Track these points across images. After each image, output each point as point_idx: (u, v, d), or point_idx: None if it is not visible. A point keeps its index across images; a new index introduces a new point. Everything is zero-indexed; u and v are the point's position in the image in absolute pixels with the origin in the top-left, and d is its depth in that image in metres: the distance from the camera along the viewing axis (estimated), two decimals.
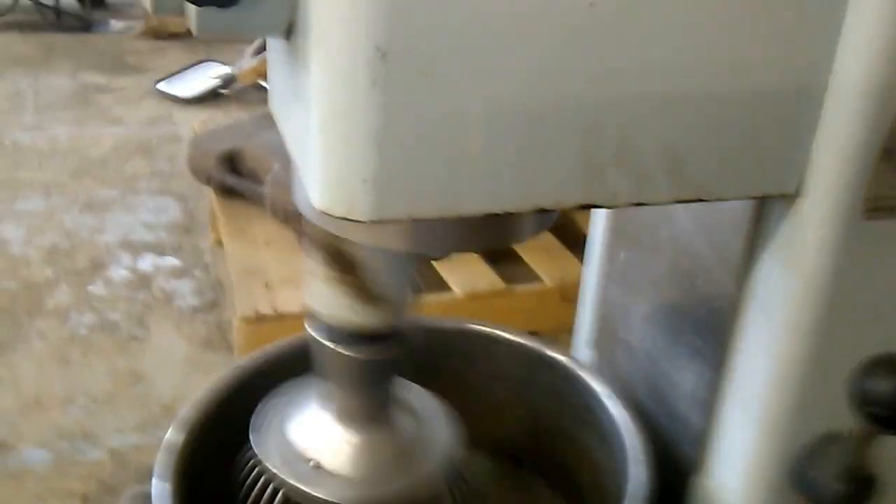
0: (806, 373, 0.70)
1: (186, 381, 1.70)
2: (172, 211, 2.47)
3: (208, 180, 2.11)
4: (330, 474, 0.75)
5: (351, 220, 0.56)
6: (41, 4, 4.70)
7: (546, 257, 1.88)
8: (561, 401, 0.94)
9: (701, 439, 0.80)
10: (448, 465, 0.78)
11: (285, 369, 0.90)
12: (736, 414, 0.76)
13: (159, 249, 2.24)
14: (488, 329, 1.01)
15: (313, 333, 0.73)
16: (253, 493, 0.76)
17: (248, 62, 3.33)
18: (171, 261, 2.19)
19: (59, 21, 4.70)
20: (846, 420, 0.65)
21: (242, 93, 3.48)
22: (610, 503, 0.80)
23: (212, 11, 0.53)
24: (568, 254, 1.89)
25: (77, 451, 1.53)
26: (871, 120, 0.60)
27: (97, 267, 2.14)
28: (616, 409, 0.86)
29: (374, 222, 0.56)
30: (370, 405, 0.76)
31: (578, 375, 0.92)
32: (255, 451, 0.76)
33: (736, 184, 0.63)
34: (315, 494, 0.73)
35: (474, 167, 0.56)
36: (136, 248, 2.24)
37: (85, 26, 4.69)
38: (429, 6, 0.51)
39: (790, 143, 0.63)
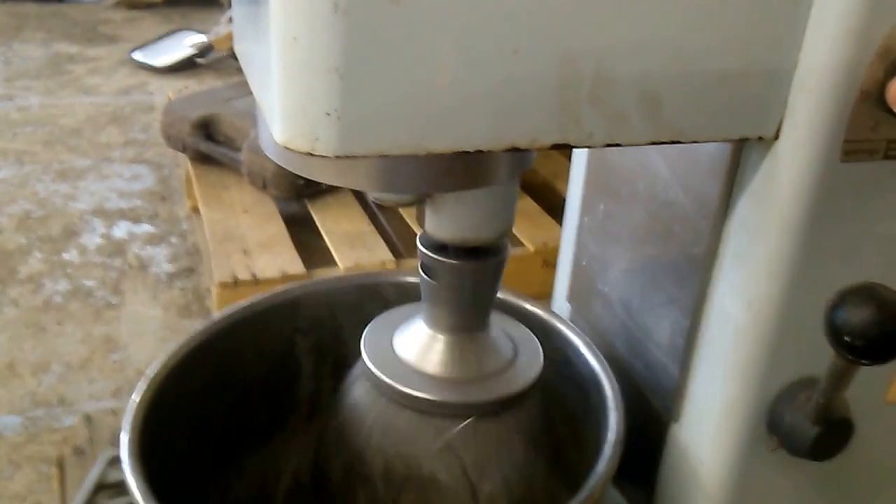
0: (781, 317, 0.69)
1: (161, 347, 1.69)
2: (147, 179, 2.45)
3: (183, 147, 2.09)
4: (429, 377, 0.79)
5: (315, 156, 0.55)
6: None
7: (528, 222, 1.87)
8: None
9: (677, 387, 0.80)
10: (531, 378, 0.81)
11: (253, 329, 0.90)
12: (712, 361, 0.76)
13: (134, 217, 2.22)
14: None
15: (423, 249, 0.76)
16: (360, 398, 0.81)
17: (224, 28, 3.30)
18: (147, 228, 2.17)
19: None
20: (821, 365, 0.64)
21: (218, 61, 3.46)
22: (588, 453, 0.79)
23: None
24: (549, 219, 1.89)
25: (51, 417, 1.51)
26: (850, 62, 0.60)
27: (71, 234, 2.12)
28: (593, 360, 0.85)
29: (338, 158, 0.55)
30: (470, 315, 0.80)
31: (556, 327, 0.92)
32: (364, 357, 0.80)
33: (713, 126, 0.63)
34: (419, 395, 0.77)
35: (444, 101, 0.55)
36: (110, 216, 2.22)
37: None
38: None
39: (768, 85, 0.62)
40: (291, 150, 0.55)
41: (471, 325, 0.81)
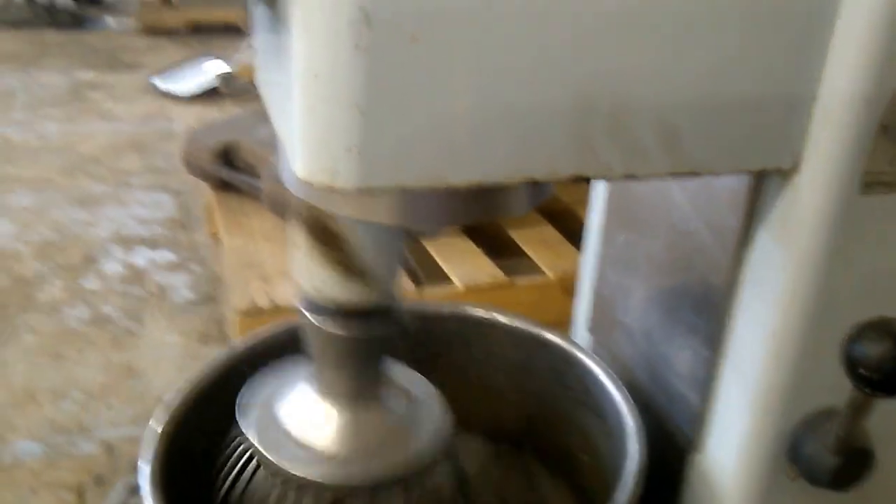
0: (801, 348, 0.70)
1: (181, 374, 1.69)
2: (167, 206, 2.46)
3: (204, 175, 2.09)
4: (316, 452, 0.73)
5: (334, 190, 0.55)
6: (33, 2, 4.69)
7: (547, 250, 1.87)
8: (559, 383, 0.94)
9: (698, 417, 0.79)
10: (437, 444, 0.76)
11: (270, 356, 0.90)
12: (732, 391, 0.76)
13: (153, 244, 2.23)
14: (485, 313, 1.00)
15: (301, 308, 0.72)
16: (236, 471, 0.75)
17: (245, 55, 3.31)
18: (166, 255, 2.17)
19: (52, 18, 4.69)
20: (841, 395, 0.65)
21: (239, 89, 3.47)
22: (609, 482, 0.79)
23: None
24: (569, 246, 1.88)
25: (70, 444, 1.51)
26: (869, 96, 0.60)
27: (90, 262, 2.13)
28: (614, 390, 0.85)
29: (358, 192, 0.55)
30: (359, 383, 0.75)
31: (576, 357, 0.92)
32: (242, 428, 0.75)
33: (732, 158, 0.63)
34: (298, 474, 0.72)
35: (463, 135, 0.55)
36: (129, 243, 2.23)
37: (78, 23, 4.67)
38: None
39: (788, 118, 0.62)
40: (312, 185, 0.55)
41: (365, 392, 0.76)
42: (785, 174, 0.65)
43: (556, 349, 0.94)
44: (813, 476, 0.72)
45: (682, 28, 0.56)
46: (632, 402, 0.83)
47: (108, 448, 1.37)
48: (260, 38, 0.68)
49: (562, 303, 1.73)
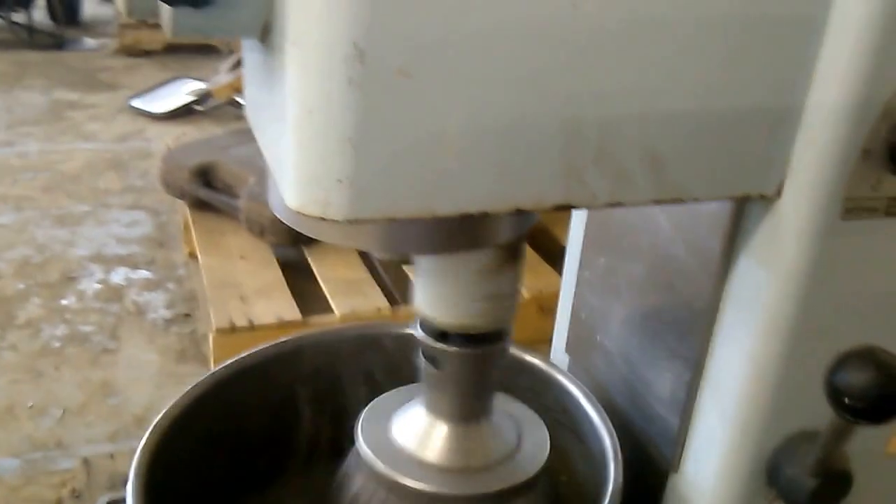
0: (782, 372, 0.70)
1: (159, 392, 1.69)
2: (145, 225, 2.46)
3: (182, 194, 2.10)
4: (427, 465, 0.77)
5: (324, 221, 0.56)
6: (14, 22, 4.69)
7: (524, 269, 1.87)
8: (538, 404, 0.94)
9: (677, 439, 0.80)
10: (540, 464, 0.79)
11: (255, 378, 0.91)
12: (712, 413, 0.76)
13: (132, 263, 2.23)
14: None
15: (424, 336, 0.75)
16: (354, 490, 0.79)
17: (224, 78, 3.33)
18: (144, 274, 2.18)
19: (33, 39, 4.69)
20: (821, 418, 0.65)
21: (216, 109, 3.48)
22: (587, 502, 0.80)
23: (186, 12, 0.52)
24: (546, 266, 1.90)
25: (49, 460, 1.51)
26: (852, 121, 0.61)
27: (69, 280, 2.13)
28: (592, 411, 0.86)
29: (348, 222, 0.56)
30: (467, 403, 0.78)
31: (555, 378, 0.92)
32: (357, 443, 0.78)
33: (716, 184, 0.64)
34: (419, 488, 0.75)
35: (452, 167, 0.56)
36: (108, 262, 2.23)
37: (58, 44, 4.68)
38: (409, 3, 0.51)
39: (771, 145, 0.63)
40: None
41: (474, 413, 0.79)
42: (768, 200, 0.66)
43: (535, 370, 0.95)
44: (791, 498, 0.72)
45: (667, 52, 0.57)
46: (610, 423, 0.84)
47: (86, 464, 1.37)
48: (249, 67, 0.68)
49: (537, 321, 1.75)
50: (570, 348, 1.03)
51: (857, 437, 0.65)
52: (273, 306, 1.72)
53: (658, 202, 0.63)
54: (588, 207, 0.62)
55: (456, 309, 0.73)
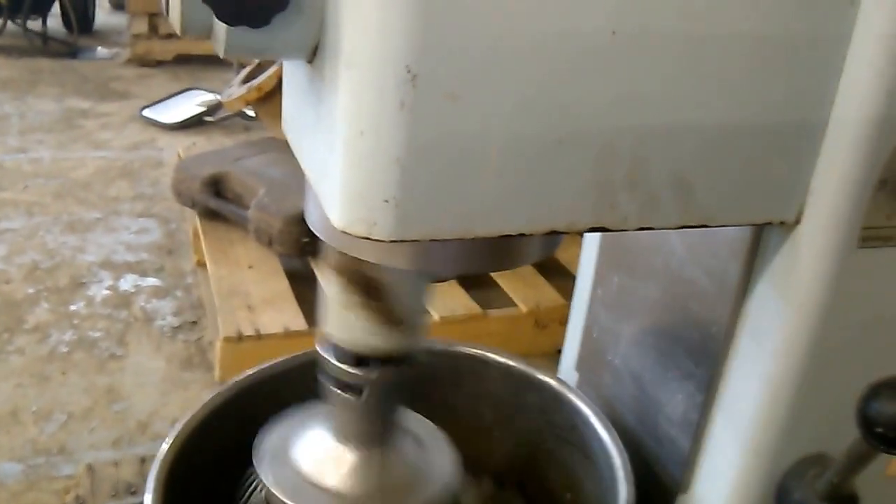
0: (796, 397, 0.71)
1: (164, 399, 1.70)
2: (154, 233, 2.47)
3: (193, 203, 2.12)
4: (329, 493, 0.75)
5: (371, 240, 0.57)
6: (28, 30, 4.71)
7: (521, 283, 1.89)
8: (546, 421, 0.95)
9: (688, 460, 0.80)
10: (448, 488, 0.78)
11: (275, 389, 0.91)
12: (724, 436, 0.77)
13: (141, 270, 2.24)
14: (476, 350, 1.01)
15: (323, 355, 0.74)
16: None
17: (236, 90, 3.34)
18: (153, 281, 2.18)
19: (46, 47, 4.72)
20: (833, 442, 0.66)
21: (226, 120, 3.50)
22: None
23: (242, 31, 0.53)
24: (542, 280, 1.91)
25: (51, 465, 1.52)
26: (869, 152, 0.63)
27: (78, 286, 2.14)
28: (602, 430, 0.86)
29: (392, 242, 0.57)
30: (378, 427, 0.77)
31: (565, 396, 0.93)
32: (256, 469, 0.77)
33: (739, 211, 0.65)
34: None
35: (492, 189, 0.57)
36: (117, 269, 2.24)
37: (72, 52, 4.70)
38: (459, 28, 0.52)
39: (792, 173, 0.65)
40: (348, 234, 0.57)
41: (380, 436, 0.78)
42: (787, 226, 0.68)
43: (545, 387, 0.95)
44: None
45: (696, 72, 0.59)
46: (620, 442, 0.84)
47: (90, 470, 1.38)
48: (292, 85, 0.69)
49: (533, 335, 1.76)
50: (580, 366, 1.03)
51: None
52: (280, 316, 1.73)
53: (684, 227, 0.64)
54: (619, 230, 0.63)
55: (377, 333, 0.71)
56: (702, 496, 0.80)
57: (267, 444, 0.79)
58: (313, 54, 0.58)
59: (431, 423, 0.84)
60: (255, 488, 0.79)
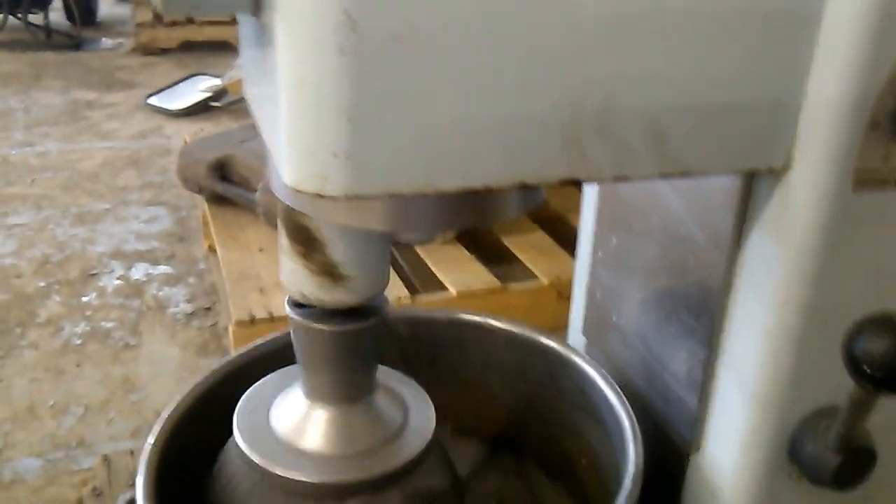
0: (798, 346, 0.69)
1: (180, 386, 1.68)
2: (164, 220, 2.46)
3: (199, 188, 2.10)
4: (303, 454, 0.73)
5: (323, 197, 0.54)
6: (31, 24, 4.71)
7: (541, 255, 1.87)
8: (555, 386, 0.93)
9: (696, 418, 0.79)
10: (424, 445, 0.76)
11: (265, 368, 0.90)
12: (730, 391, 0.75)
13: (152, 258, 2.23)
14: (481, 318, 1.00)
15: (287, 307, 0.72)
16: (233, 479, 0.75)
17: (237, 72, 3.33)
18: (164, 269, 2.18)
19: (50, 40, 4.72)
20: (841, 393, 0.64)
21: (232, 104, 3.49)
22: (607, 485, 0.78)
23: None
24: (562, 252, 1.89)
25: (71, 459, 1.51)
26: (859, 92, 0.60)
27: (89, 277, 2.14)
28: (610, 393, 0.85)
29: (347, 199, 0.54)
30: (346, 385, 0.75)
31: (572, 360, 0.91)
32: (234, 433, 0.75)
33: (721, 158, 0.62)
34: (283, 475, 0.71)
35: (452, 140, 0.55)
36: (128, 258, 2.23)
37: (75, 44, 4.70)
38: None
39: (776, 117, 0.62)
40: (301, 192, 0.55)
41: (353, 394, 0.75)
42: (776, 173, 0.65)
43: (552, 353, 0.94)
44: (815, 475, 0.71)
45: (668, 33, 0.56)
46: (628, 404, 0.83)
47: (107, 462, 1.37)
48: (246, 50, 0.67)
49: (556, 307, 1.74)
50: (586, 330, 1.02)
51: (879, 413, 0.64)
52: None
53: (664, 176, 0.62)
54: (594, 181, 0.60)
55: (300, 282, 0.69)
56: (712, 454, 0.79)
57: (246, 409, 0.78)
58: (257, 6, 0.56)
59: (412, 381, 0.82)
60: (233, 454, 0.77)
